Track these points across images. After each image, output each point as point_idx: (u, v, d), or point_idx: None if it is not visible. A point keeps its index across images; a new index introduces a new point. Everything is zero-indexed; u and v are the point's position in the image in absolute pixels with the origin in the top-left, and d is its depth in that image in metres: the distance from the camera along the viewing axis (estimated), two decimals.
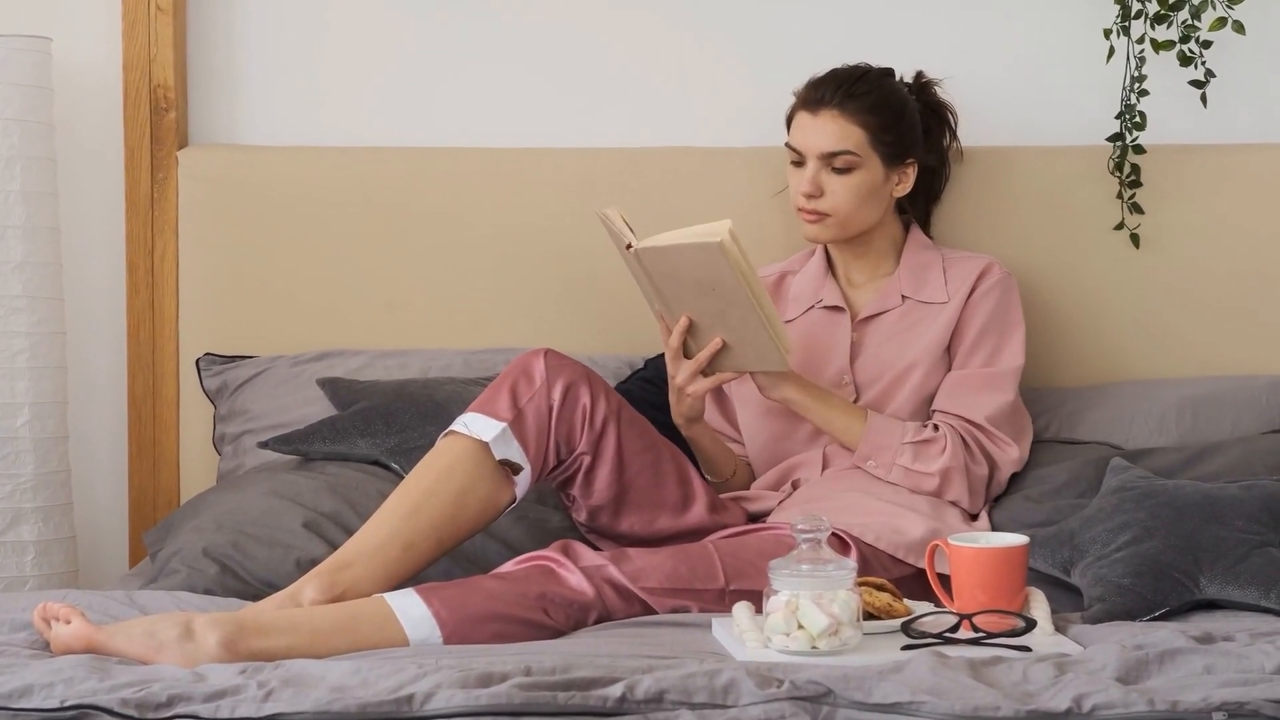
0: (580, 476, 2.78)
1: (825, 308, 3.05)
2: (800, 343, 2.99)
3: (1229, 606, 2.60)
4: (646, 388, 3.07)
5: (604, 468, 2.78)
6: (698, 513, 2.84)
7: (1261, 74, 3.31)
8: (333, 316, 3.35)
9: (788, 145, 3.02)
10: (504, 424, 2.70)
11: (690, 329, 2.83)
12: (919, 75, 3.14)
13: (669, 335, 2.85)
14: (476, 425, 2.70)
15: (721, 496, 2.92)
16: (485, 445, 2.68)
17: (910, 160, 3.03)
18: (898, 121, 3.01)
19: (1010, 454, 2.94)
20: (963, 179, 3.26)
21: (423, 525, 2.64)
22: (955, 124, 3.19)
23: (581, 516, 2.84)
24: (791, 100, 3.05)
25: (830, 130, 2.97)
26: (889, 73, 3.06)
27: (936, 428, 2.91)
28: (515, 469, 2.70)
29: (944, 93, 3.17)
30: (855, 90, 2.98)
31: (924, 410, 2.97)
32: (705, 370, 2.85)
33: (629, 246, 2.78)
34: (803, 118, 3.01)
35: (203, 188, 3.35)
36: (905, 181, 3.04)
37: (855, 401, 2.98)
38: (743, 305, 2.73)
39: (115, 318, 3.41)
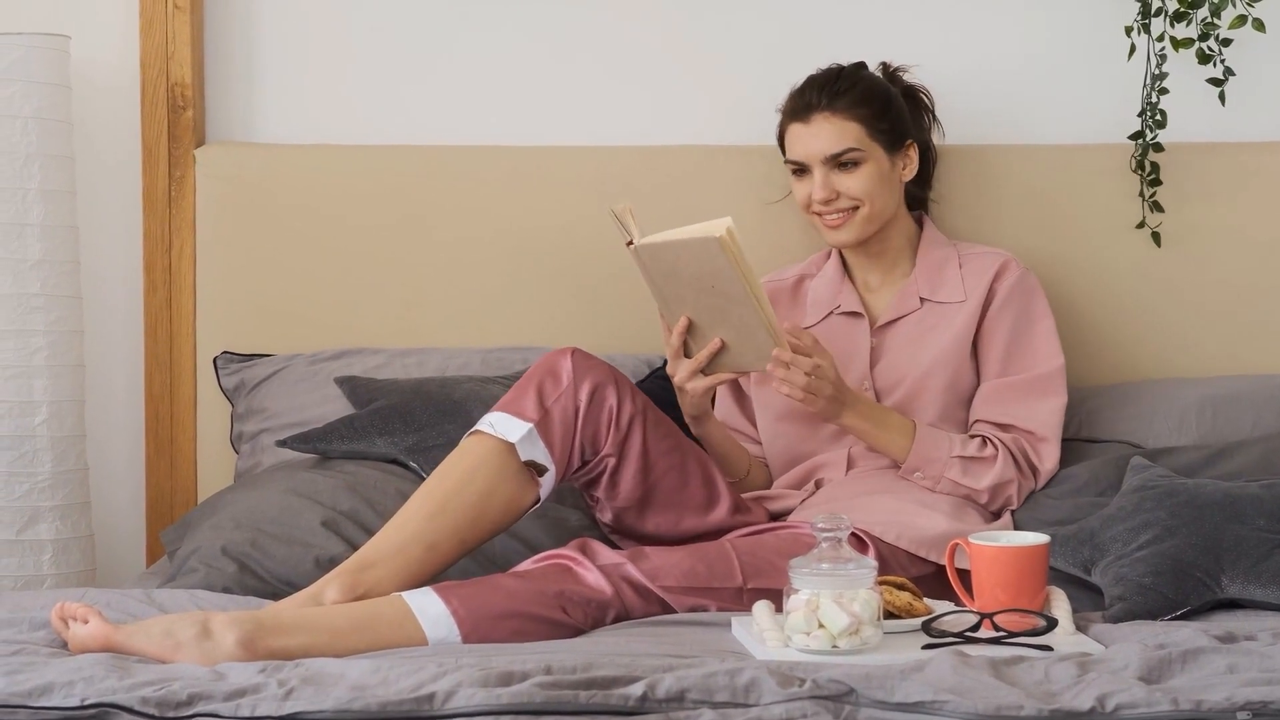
0: (605, 478, 2.77)
1: (844, 313, 3.04)
2: None
3: (1250, 606, 2.59)
4: (667, 386, 3.06)
5: (629, 469, 2.76)
6: (722, 513, 2.82)
7: None
8: (350, 315, 3.35)
9: (788, 162, 3.02)
10: (530, 425, 2.68)
11: (690, 330, 2.82)
12: (884, 66, 3.13)
13: (670, 335, 2.84)
14: (502, 425, 2.68)
15: (743, 496, 2.91)
16: (511, 446, 2.67)
17: (909, 142, 3.03)
18: (887, 108, 3.00)
19: (1047, 465, 2.93)
20: (982, 176, 3.25)
21: (446, 526, 2.62)
22: (931, 105, 3.17)
23: (606, 517, 2.83)
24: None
25: (827, 132, 2.96)
26: (862, 65, 3.06)
27: (986, 442, 2.90)
28: (540, 470, 2.69)
29: (912, 78, 3.15)
30: (839, 88, 2.97)
31: (949, 412, 2.95)
32: (705, 370, 2.83)
33: (629, 243, 2.77)
34: (796, 129, 3.00)
35: (220, 186, 3.35)
36: (910, 164, 3.04)
37: None
38: (742, 302, 2.71)
39: (133, 316, 3.41)
